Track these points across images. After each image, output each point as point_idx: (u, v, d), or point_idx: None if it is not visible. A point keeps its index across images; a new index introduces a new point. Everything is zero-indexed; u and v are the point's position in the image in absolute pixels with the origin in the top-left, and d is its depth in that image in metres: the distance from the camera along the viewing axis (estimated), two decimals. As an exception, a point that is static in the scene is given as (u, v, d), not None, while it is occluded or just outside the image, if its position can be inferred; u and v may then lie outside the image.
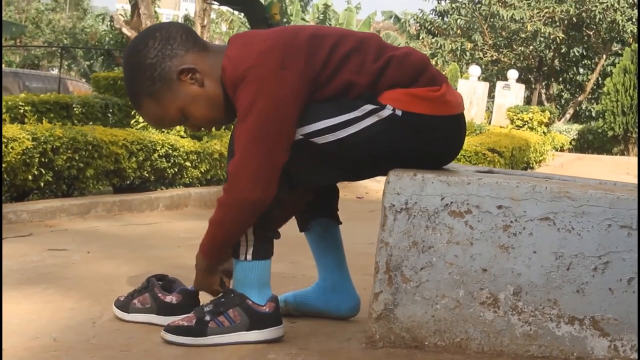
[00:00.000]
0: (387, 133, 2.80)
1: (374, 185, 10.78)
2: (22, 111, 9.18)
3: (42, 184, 6.22)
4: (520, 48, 33.02)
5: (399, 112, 2.79)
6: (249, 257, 2.84)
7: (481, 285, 2.72)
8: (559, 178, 3.19)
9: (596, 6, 30.63)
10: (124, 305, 3.11)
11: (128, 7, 29.18)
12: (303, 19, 43.17)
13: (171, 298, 3.05)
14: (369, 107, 2.79)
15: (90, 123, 10.21)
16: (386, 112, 2.79)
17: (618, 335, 2.66)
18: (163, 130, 8.19)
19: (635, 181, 13.15)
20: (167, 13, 65.07)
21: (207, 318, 2.80)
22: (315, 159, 2.82)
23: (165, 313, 3.00)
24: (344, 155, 2.82)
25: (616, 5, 30.49)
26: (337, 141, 2.78)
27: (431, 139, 2.85)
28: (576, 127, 30.54)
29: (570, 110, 34.44)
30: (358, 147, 2.81)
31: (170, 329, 2.80)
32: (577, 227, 2.66)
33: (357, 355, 2.73)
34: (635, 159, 22.14)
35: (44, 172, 6.19)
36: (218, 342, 2.78)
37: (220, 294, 2.90)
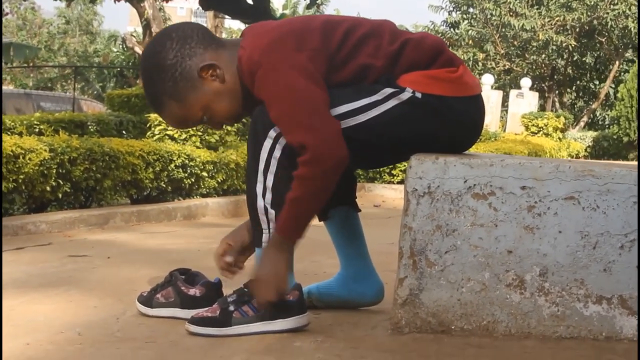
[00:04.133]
0: (408, 116, 2.79)
1: (391, 194, 10.80)
2: (37, 130, 9.23)
3: (60, 195, 6.24)
4: (532, 57, 32.96)
5: (418, 95, 2.78)
6: None
7: (507, 267, 2.69)
8: (581, 161, 3.18)
9: (607, 13, 30.53)
10: (147, 300, 3.09)
11: (139, 29, 29.27)
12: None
13: (194, 291, 3.03)
14: (388, 90, 2.79)
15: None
16: (406, 95, 2.78)
17: (647, 313, 2.63)
18: (179, 141, 8.22)
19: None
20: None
21: (232, 308, 2.78)
22: None
23: (189, 306, 2.98)
24: (366, 140, 2.80)
25: (628, 11, 30.40)
26: (358, 125, 2.77)
27: (452, 121, 2.84)
28: (591, 134, 30.42)
29: (585, 118, 34.32)
30: (380, 130, 2.80)
31: (195, 321, 2.78)
32: (602, 206, 2.64)
33: (383, 342, 2.70)
34: (652, 163, 22.06)
35: (61, 183, 6.21)
36: (243, 332, 2.75)
37: (246, 286, 2.86)
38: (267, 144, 2.79)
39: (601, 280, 2.65)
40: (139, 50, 25.27)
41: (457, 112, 2.84)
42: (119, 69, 37.94)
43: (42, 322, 2.96)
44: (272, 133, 2.78)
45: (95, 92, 43.22)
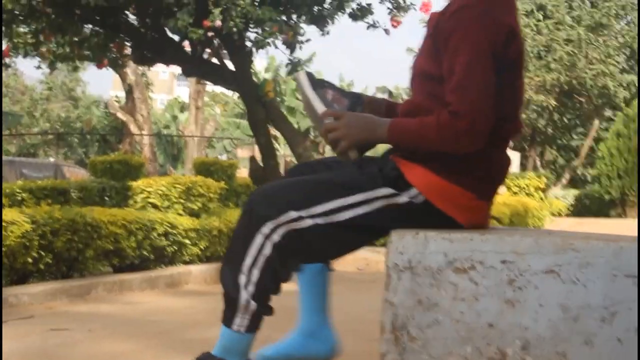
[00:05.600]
0: (397, 216, 2.86)
1: (374, 257, 10.76)
2: (19, 198, 9.21)
3: (42, 266, 6.21)
4: (512, 116, 33.17)
5: (420, 199, 2.84)
6: (243, 329, 2.85)
7: (488, 341, 2.69)
8: (560, 232, 3.19)
9: (586, 73, 30.87)
10: None
11: (121, 94, 29.38)
12: (297, 98, 43.41)
13: None
14: (387, 191, 2.84)
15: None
16: (403, 199, 2.84)
17: (630, 386, 2.62)
18: (161, 208, 8.21)
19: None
20: (160, 98, 65.43)
21: None
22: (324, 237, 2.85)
23: None
24: (347, 234, 2.87)
25: (606, 70, 30.74)
26: (343, 222, 2.83)
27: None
28: (573, 192, 30.59)
29: (567, 176, 34.52)
30: (364, 226, 2.86)
31: None
32: (583, 279, 2.64)
33: (367, 418, 2.69)
34: (633, 221, 22.14)
35: (43, 254, 6.18)
36: None
37: None
38: (259, 240, 2.81)
39: (583, 353, 2.64)
40: (121, 116, 25.29)
41: (451, 225, 2.89)
42: (101, 134, 38.00)
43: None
44: (265, 230, 2.80)
45: (78, 158, 43.23)
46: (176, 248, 7.84)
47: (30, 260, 6.06)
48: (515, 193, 20.28)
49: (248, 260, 2.80)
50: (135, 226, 7.26)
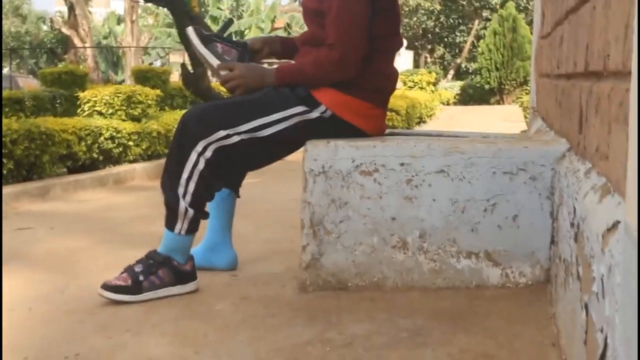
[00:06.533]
0: (310, 128, 2.88)
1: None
2: (-21, 108, 8.95)
3: (4, 172, 6.09)
4: (405, 20, 33.14)
5: (328, 113, 2.87)
6: (183, 232, 2.87)
7: (391, 232, 2.74)
8: (449, 134, 3.24)
9: (467, -21, 30.96)
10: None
11: (64, 9, 28.46)
12: (219, 8, 42.58)
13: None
14: (299, 109, 2.85)
15: (41, 114, 10.06)
16: (314, 115, 2.87)
17: (508, 264, 2.70)
18: (106, 115, 8.08)
19: (509, 125, 13.36)
20: (99, 11, 63.61)
21: (141, 278, 2.82)
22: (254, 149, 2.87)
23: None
24: (268, 146, 2.90)
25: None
26: (265, 137, 2.85)
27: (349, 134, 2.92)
28: (459, 83, 30.85)
29: (453, 70, 34.75)
30: (282, 140, 2.89)
31: (109, 288, 2.79)
32: (468, 176, 2.70)
33: (292, 300, 2.73)
34: (509, 106, 22.45)
35: (5, 161, 6.06)
36: (151, 297, 2.81)
37: (150, 257, 2.88)
38: (193, 157, 2.80)
39: (470, 239, 2.71)
40: (65, 31, 24.59)
41: (356, 132, 2.93)
42: (49, 48, 36.95)
43: (-4, 300, 2.91)
44: (199, 147, 2.80)
45: (29, 68, 42.08)
46: (121, 149, 7.74)
47: (-7, 167, 5.95)
48: (410, 87, 20.38)
49: (185, 175, 2.80)
50: (85, 132, 7.14)
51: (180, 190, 2.82)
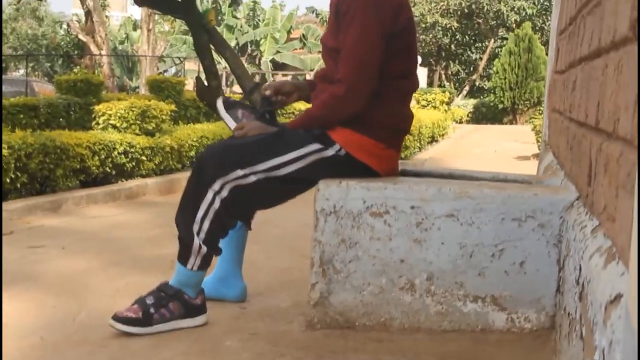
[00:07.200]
0: (326, 167, 2.91)
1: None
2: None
3: (18, 185, 6.15)
4: (421, 37, 33.20)
5: (342, 152, 2.90)
6: (196, 268, 2.92)
7: (400, 273, 2.78)
8: (459, 174, 3.28)
9: (483, -1, 31.06)
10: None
11: (81, 12, 28.61)
12: (235, 17, 42.70)
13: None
14: (315, 146, 2.89)
15: (56, 121, 10.18)
16: (330, 152, 2.90)
17: (514, 309, 2.74)
18: (121, 129, 8.14)
19: (520, 147, 13.39)
20: (116, 15, 63.86)
21: (152, 311, 2.88)
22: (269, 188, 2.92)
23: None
24: (284, 186, 2.94)
25: (500, -4, 30.95)
26: (282, 176, 2.89)
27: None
28: (472, 101, 30.88)
29: (467, 87, 34.78)
30: (299, 178, 2.93)
31: (121, 320, 2.83)
32: (477, 221, 2.74)
33: (300, 338, 2.77)
34: (521, 127, 22.46)
35: (19, 175, 6.12)
36: (161, 330, 2.86)
37: (161, 290, 2.93)
38: (209, 195, 2.86)
39: (476, 283, 2.75)
40: (82, 37, 24.75)
41: (368, 172, 2.97)
42: (65, 52, 37.14)
43: (9, 324, 2.96)
44: (216, 186, 2.86)
45: (45, 71, 42.30)
46: (134, 164, 7.80)
47: (8, 180, 6.00)
48: (423, 106, 20.40)
49: (200, 213, 2.85)
50: (99, 147, 7.20)
51: (195, 228, 2.87)
